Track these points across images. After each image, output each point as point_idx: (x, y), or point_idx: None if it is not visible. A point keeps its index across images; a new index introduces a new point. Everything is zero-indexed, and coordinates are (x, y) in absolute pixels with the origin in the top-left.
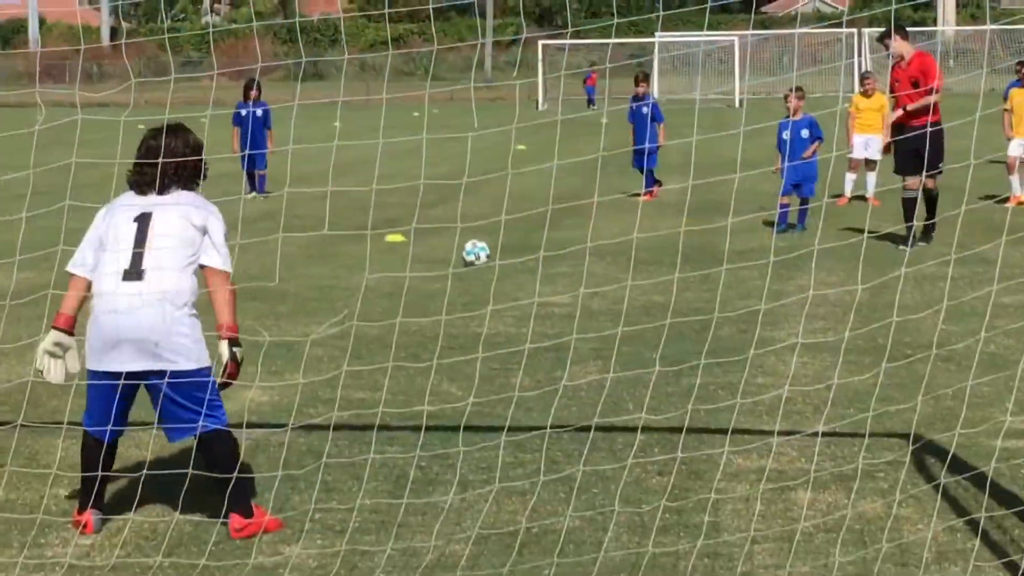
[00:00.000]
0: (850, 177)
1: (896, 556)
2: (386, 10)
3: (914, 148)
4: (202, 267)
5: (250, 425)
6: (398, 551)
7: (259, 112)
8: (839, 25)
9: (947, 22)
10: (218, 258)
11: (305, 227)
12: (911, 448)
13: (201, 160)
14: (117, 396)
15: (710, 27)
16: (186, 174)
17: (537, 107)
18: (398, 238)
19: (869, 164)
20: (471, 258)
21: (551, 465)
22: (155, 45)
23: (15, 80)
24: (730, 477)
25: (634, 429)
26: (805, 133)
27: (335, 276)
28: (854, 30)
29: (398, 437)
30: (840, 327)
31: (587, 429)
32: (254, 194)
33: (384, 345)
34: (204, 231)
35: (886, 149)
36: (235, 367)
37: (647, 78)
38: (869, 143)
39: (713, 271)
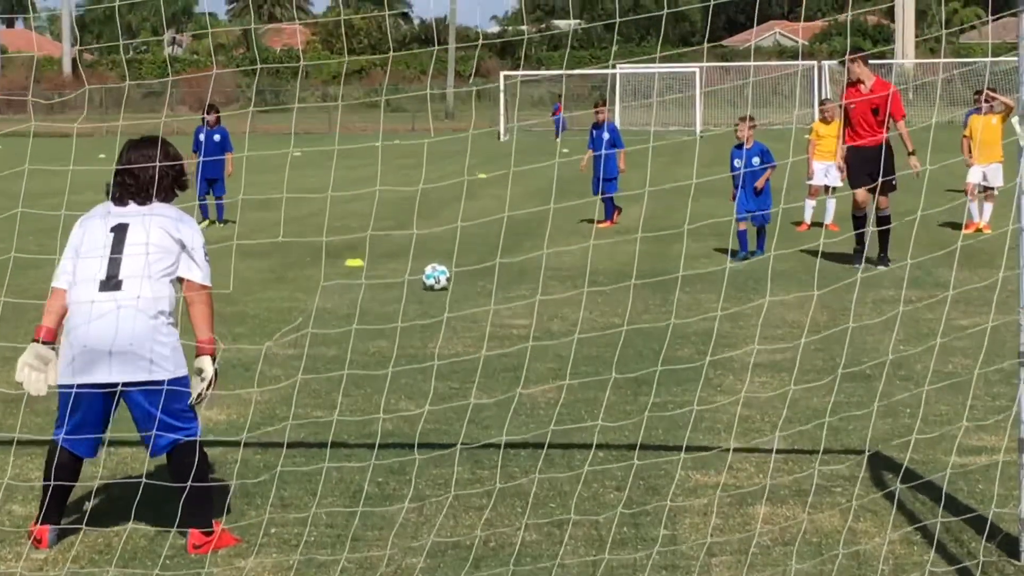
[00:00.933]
0: (810, 203)
1: (853, 568)
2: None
3: (866, 165)
4: (180, 280)
5: (207, 443)
6: (354, 563)
7: (217, 137)
8: (797, 57)
9: (906, 55)
10: (198, 272)
11: (262, 253)
12: (868, 463)
13: (180, 172)
14: (94, 409)
15: (672, 60)
16: (164, 185)
17: (499, 137)
18: (357, 263)
19: (828, 191)
20: (431, 282)
21: (508, 480)
22: (117, 76)
23: None
24: (688, 492)
25: (590, 446)
26: (757, 161)
27: (293, 299)
28: (813, 63)
29: (355, 453)
30: (798, 349)
31: (543, 446)
32: (207, 222)
33: (341, 364)
34: (182, 243)
35: (839, 169)
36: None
37: (606, 103)
38: (829, 170)
39: (672, 294)
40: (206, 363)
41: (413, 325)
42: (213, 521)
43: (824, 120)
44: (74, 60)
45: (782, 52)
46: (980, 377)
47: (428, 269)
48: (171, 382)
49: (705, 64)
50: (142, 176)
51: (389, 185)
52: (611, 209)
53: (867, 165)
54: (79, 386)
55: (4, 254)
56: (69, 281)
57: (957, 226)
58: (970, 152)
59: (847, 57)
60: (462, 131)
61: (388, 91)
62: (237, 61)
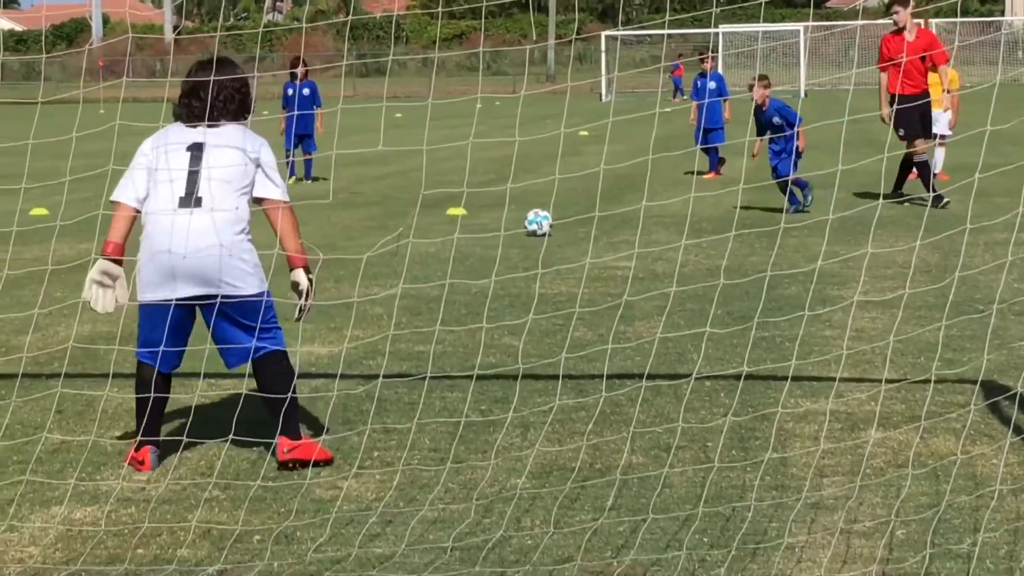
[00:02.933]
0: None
1: (970, 487)
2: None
3: (919, 114)
4: (259, 200)
5: (310, 376)
6: (457, 484)
7: (306, 91)
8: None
9: (1015, 13)
10: (275, 189)
11: (367, 203)
12: (982, 390)
13: (248, 93)
14: (174, 324)
15: (775, 20)
16: (234, 106)
17: (601, 99)
18: (459, 211)
19: (936, 139)
20: (533, 227)
21: (614, 408)
22: (216, 42)
23: (78, 77)
24: (798, 418)
25: (700, 377)
26: (777, 120)
27: (394, 241)
28: (920, 21)
29: (458, 384)
30: (909, 287)
31: (652, 377)
32: (293, 179)
33: (445, 304)
34: (257, 162)
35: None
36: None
37: (711, 51)
38: (937, 119)
39: (778, 239)
40: (300, 276)
41: (515, 268)
42: (303, 434)
43: (932, 69)
44: (176, 27)
45: (888, 12)
46: None
47: (531, 214)
48: (251, 296)
49: (811, 23)
50: (212, 96)
51: (492, 145)
52: (715, 160)
53: (916, 112)
54: (160, 302)
55: (108, 208)
56: (135, 197)
57: None
58: None
59: (894, 8)
60: (562, 92)
61: (488, 55)
62: (338, 27)
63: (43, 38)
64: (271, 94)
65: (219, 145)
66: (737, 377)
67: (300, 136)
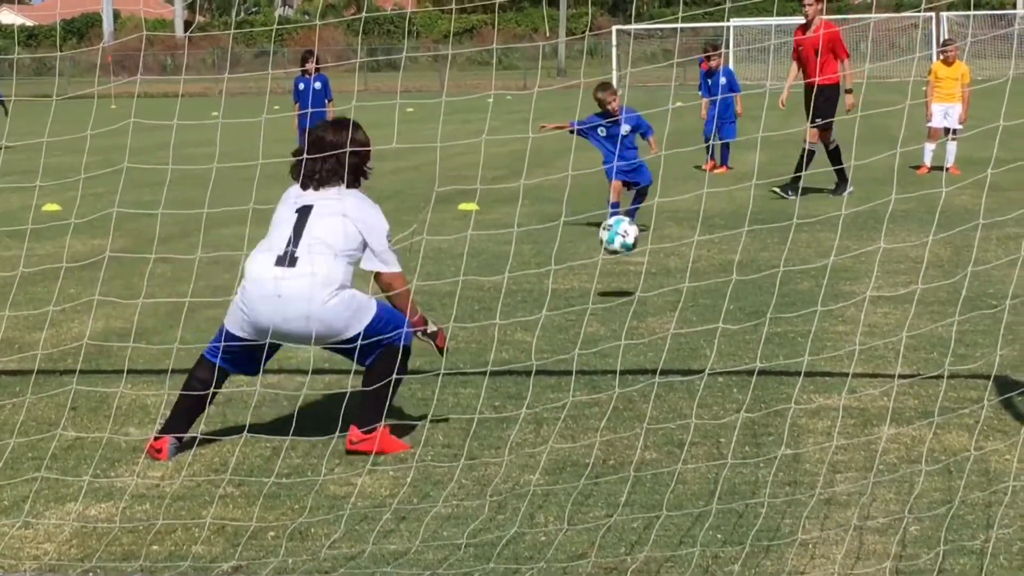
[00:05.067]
0: (929, 147)
1: (983, 483)
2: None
3: (811, 103)
4: (380, 273)
5: (323, 372)
6: (471, 480)
7: (318, 85)
8: (917, 11)
9: None
10: (380, 263)
11: (380, 197)
12: (995, 386)
13: (366, 159)
14: (257, 352)
15: (786, 14)
16: (347, 172)
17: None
18: (471, 207)
19: (948, 133)
20: (615, 245)
21: (627, 404)
22: (228, 37)
23: (90, 72)
24: (811, 414)
25: (713, 373)
26: (627, 129)
27: (408, 238)
28: (932, 14)
29: (471, 380)
30: (922, 282)
31: (665, 373)
32: None
33: (458, 299)
34: (363, 232)
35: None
36: (442, 339)
37: (717, 49)
38: (948, 112)
39: (791, 233)
40: (424, 341)
41: (528, 262)
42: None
43: (946, 61)
44: (187, 23)
45: (899, 6)
46: None
47: (606, 232)
48: (351, 338)
49: (824, 17)
50: (325, 160)
51: (502, 141)
52: (727, 154)
53: (808, 103)
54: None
55: (121, 204)
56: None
57: None
58: None
59: (806, 1)
60: (574, 88)
61: (499, 50)
62: (348, 22)
63: (57, 34)
64: (283, 88)
65: (327, 210)
66: (750, 373)
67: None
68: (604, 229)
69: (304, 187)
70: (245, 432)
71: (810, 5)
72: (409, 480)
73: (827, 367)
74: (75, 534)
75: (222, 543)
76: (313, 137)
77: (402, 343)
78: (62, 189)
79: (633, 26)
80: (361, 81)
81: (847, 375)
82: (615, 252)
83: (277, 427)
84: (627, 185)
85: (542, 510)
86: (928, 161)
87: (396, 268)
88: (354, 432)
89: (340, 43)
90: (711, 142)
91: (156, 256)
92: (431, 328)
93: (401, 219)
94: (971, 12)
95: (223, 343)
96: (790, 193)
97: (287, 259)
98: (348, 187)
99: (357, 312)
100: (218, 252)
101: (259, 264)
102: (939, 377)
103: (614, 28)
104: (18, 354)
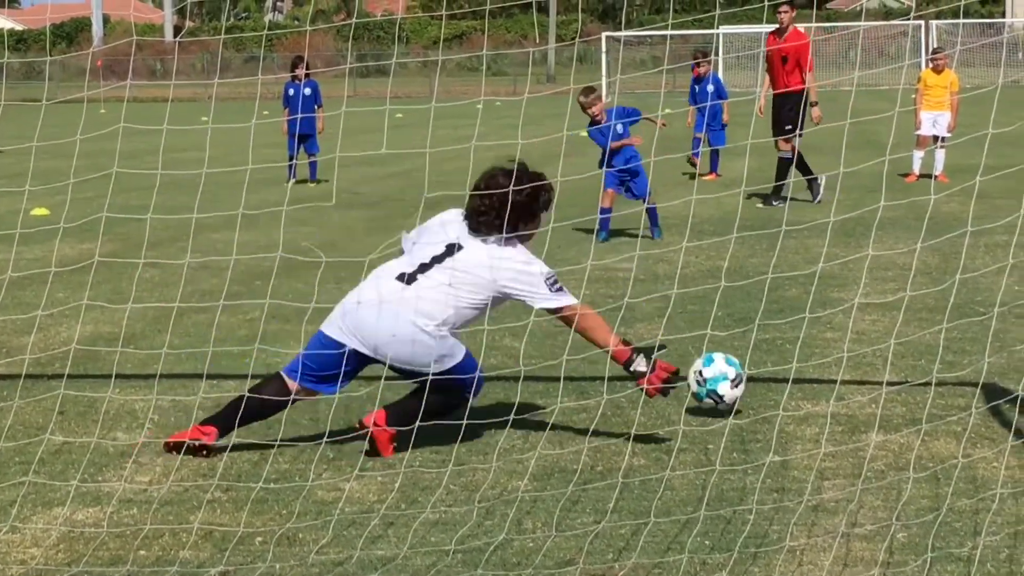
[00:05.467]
0: (917, 154)
1: (970, 491)
2: (443, 12)
3: (774, 112)
4: (550, 311)
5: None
6: (459, 485)
7: (307, 91)
8: (905, 19)
9: (1015, 15)
10: (547, 300)
11: (369, 203)
12: (983, 393)
13: (525, 211)
14: (345, 365)
15: (775, 22)
16: (504, 222)
17: (601, 99)
18: None
19: (937, 141)
20: (708, 399)
21: (615, 410)
22: (217, 42)
23: (79, 77)
24: (799, 421)
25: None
26: (620, 128)
27: (398, 243)
28: (920, 23)
29: None
30: (910, 289)
31: None
32: (292, 181)
33: None
34: (511, 292)
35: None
36: (660, 373)
37: (706, 57)
38: (937, 120)
39: (778, 241)
40: (638, 365)
41: None
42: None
43: (935, 69)
44: (177, 28)
45: (888, 13)
46: None
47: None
48: (428, 370)
49: (814, 24)
50: (484, 210)
51: (491, 147)
52: (717, 161)
53: (774, 112)
54: (333, 342)
55: (110, 208)
56: (409, 239)
57: None
58: None
59: (781, 8)
60: (564, 94)
61: (489, 56)
62: (339, 27)
63: (47, 39)
64: (272, 94)
65: (471, 256)
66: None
67: (302, 136)
68: (697, 380)
69: (468, 224)
70: (233, 437)
71: (785, 12)
72: (397, 485)
73: (815, 374)
74: (62, 539)
75: (210, 548)
76: (487, 177)
77: (470, 395)
78: (51, 193)
79: (623, 33)
80: (351, 87)
81: (835, 382)
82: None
83: (265, 432)
84: (623, 186)
85: (530, 516)
86: (917, 169)
87: (567, 301)
88: (380, 416)
89: (330, 49)
90: (699, 148)
91: (145, 261)
92: (638, 365)
93: (391, 225)
94: (960, 20)
95: (312, 350)
96: (775, 202)
97: (408, 278)
98: (509, 239)
99: (442, 355)
100: (207, 257)
101: (386, 270)
102: (927, 384)
103: (604, 35)
104: (6, 358)
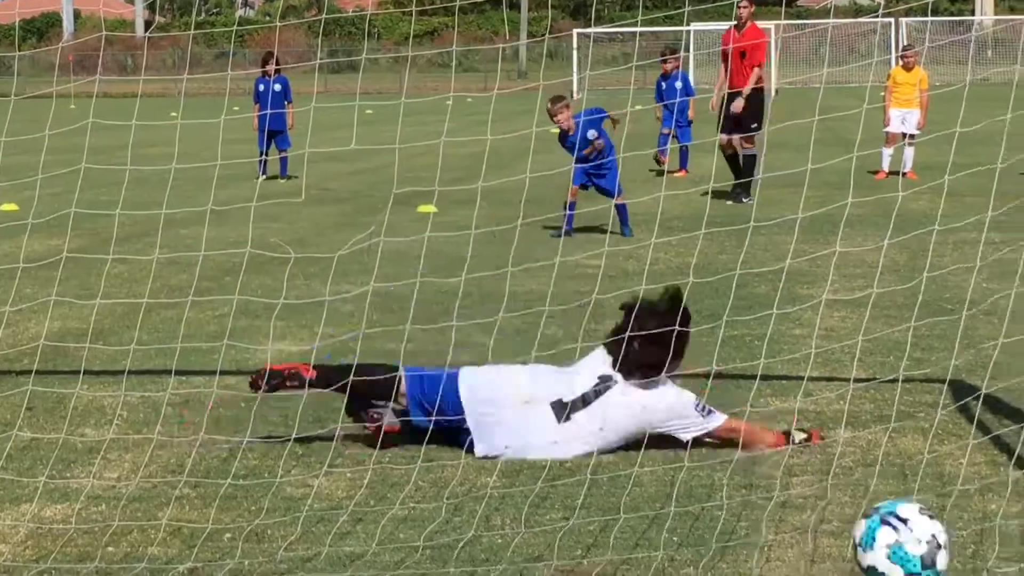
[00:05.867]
0: (886, 152)
1: (937, 487)
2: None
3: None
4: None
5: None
6: (428, 482)
7: (278, 87)
8: (875, 16)
9: (984, 13)
10: (700, 430)
11: (338, 199)
12: (950, 390)
13: (667, 347)
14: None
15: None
16: (644, 359)
17: (572, 96)
18: (430, 209)
19: (905, 138)
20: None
21: None
22: (188, 38)
23: (49, 72)
24: (767, 418)
25: (670, 376)
26: (593, 133)
27: (366, 240)
28: (891, 20)
29: None
30: (879, 286)
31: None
32: (263, 177)
33: (416, 302)
34: (654, 428)
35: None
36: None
37: (675, 54)
38: (906, 118)
39: (747, 237)
40: (796, 439)
41: (487, 264)
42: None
43: (905, 67)
44: (147, 23)
45: (859, 11)
46: None
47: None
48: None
49: (783, 22)
50: (640, 350)
51: (462, 142)
52: (686, 157)
53: (730, 109)
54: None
55: (79, 204)
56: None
57: None
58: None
59: (741, 4)
60: (534, 90)
61: (460, 52)
62: (309, 23)
63: (16, 34)
64: (242, 90)
65: (619, 409)
66: (706, 376)
67: (273, 132)
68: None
69: (619, 366)
70: (202, 434)
71: (744, 7)
72: (366, 482)
73: (783, 370)
74: (30, 535)
75: (178, 545)
76: (639, 313)
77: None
78: (19, 189)
79: (593, 29)
80: (321, 83)
81: (803, 378)
82: None
83: (233, 429)
84: (591, 187)
85: (499, 512)
86: (886, 166)
87: (717, 422)
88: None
89: (301, 45)
90: (667, 145)
91: (113, 256)
92: (797, 435)
93: (359, 220)
94: (929, 18)
95: (435, 387)
96: (744, 198)
97: (563, 415)
98: (644, 375)
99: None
100: (176, 253)
101: (541, 387)
102: (895, 381)
103: (575, 31)
104: None
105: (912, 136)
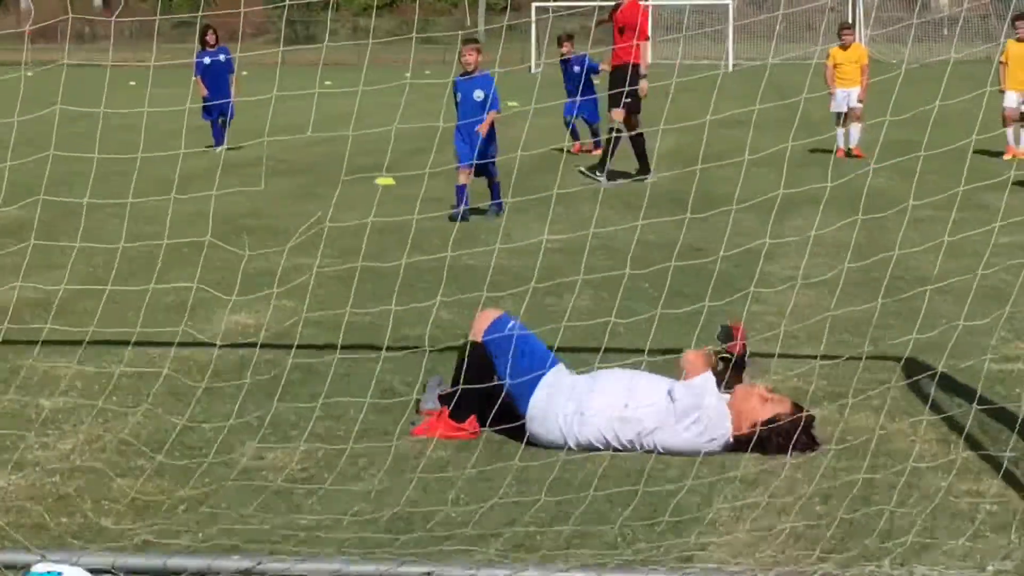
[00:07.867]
0: (840, 131)
1: (888, 464)
2: None
3: (613, 84)
4: None
5: (236, 346)
6: (383, 455)
7: (222, 58)
8: None
9: None
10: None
11: (295, 171)
12: (905, 369)
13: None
14: None
15: None
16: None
17: (530, 70)
18: (388, 181)
19: (853, 115)
20: None
21: None
22: (148, 7)
23: (7, 40)
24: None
25: (628, 350)
26: (479, 95)
27: (325, 213)
28: None
29: (387, 357)
30: (837, 264)
31: (581, 350)
32: (222, 148)
33: (377, 275)
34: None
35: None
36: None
37: (571, 38)
38: (851, 95)
39: (710, 214)
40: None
41: (448, 239)
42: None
43: (843, 46)
44: None
45: None
46: (1021, 290)
47: None
48: None
49: None
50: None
51: (421, 113)
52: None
53: (613, 84)
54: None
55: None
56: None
57: (995, 154)
58: (1005, 80)
59: None
60: (492, 64)
61: (419, 24)
62: None
63: None
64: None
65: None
66: (663, 351)
67: (217, 103)
68: None
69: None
70: (156, 406)
71: None
72: (321, 455)
73: None
74: None
75: (132, 516)
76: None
77: None
78: None
79: (552, 3)
80: (278, 53)
81: (760, 356)
82: None
83: (190, 400)
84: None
85: (455, 487)
86: (843, 144)
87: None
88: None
89: (259, 16)
90: (572, 123)
91: (72, 228)
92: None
93: (316, 192)
94: None
95: (530, 348)
96: (598, 175)
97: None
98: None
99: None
100: (134, 224)
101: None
102: (852, 359)
103: (534, 5)
104: None
105: (853, 109)
